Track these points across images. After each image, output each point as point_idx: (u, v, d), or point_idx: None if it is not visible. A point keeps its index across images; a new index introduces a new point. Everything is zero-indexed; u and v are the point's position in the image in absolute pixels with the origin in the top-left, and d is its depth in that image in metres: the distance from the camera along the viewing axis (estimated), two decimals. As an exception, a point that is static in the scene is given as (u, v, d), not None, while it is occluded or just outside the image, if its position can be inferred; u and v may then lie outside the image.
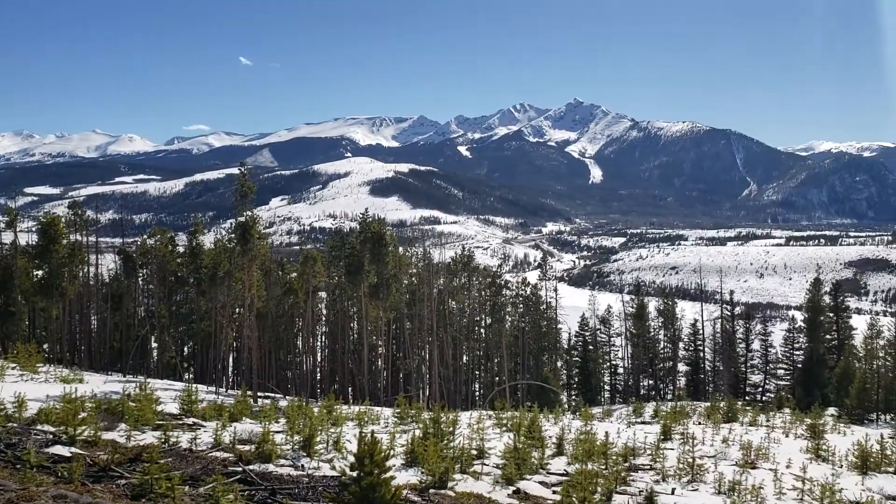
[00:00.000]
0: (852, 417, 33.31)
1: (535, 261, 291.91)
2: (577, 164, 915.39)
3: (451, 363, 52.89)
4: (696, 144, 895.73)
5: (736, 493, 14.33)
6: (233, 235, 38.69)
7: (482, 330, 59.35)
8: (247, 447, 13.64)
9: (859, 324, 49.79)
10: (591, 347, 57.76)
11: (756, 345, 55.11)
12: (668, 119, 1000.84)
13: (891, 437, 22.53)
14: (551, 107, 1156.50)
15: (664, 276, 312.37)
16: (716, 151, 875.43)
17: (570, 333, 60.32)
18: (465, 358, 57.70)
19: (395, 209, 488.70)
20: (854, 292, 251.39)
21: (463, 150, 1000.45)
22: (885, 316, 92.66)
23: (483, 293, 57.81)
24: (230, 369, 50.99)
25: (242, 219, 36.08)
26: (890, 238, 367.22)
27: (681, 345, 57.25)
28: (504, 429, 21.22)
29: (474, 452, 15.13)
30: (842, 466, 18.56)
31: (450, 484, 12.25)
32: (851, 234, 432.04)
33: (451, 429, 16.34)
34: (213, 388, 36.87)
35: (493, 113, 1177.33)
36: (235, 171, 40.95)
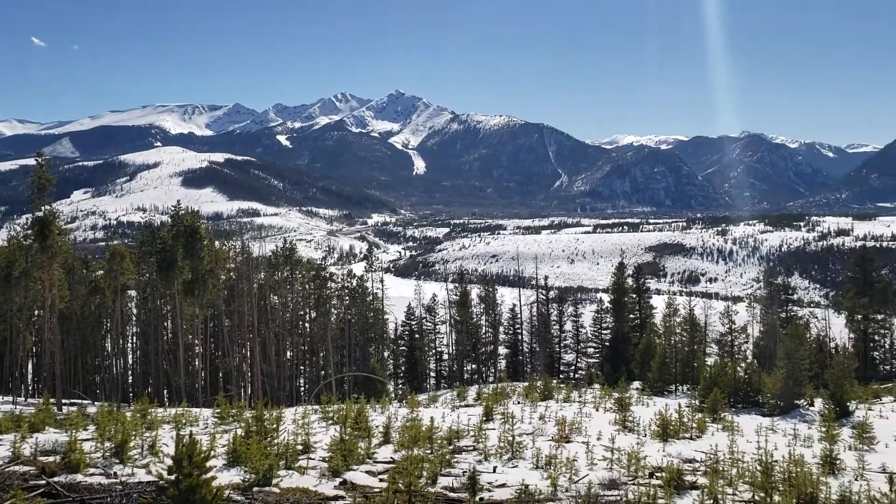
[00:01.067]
0: (654, 390, 36.05)
1: (360, 252, 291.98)
2: (401, 155, 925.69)
3: (275, 359, 51.47)
4: (513, 138, 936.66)
5: (552, 467, 14.99)
6: (29, 232, 35.64)
7: (307, 324, 58.27)
8: (51, 458, 12.75)
9: (659, 303, 53.81)
10: (417, 336, 58.58)
11: (569, 326, 58.47)
12: (487, 112, 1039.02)
13: (687, 406, 24.74)
14: (373, 97, 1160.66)
15: (485, 264, 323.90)
16: (530, 144, 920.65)
17: (396, 323, 60.81)
18: (288, 353, 56.35)
19: (210, 201, 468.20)
20: (654, 274, 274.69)
21: (283, 139, 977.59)
22: (680, 295, 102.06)
23: (307, 287, 56.71)
24: (30, 376, 46.57)
25: (41, 213, 33.68)
26: (685, 224, 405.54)
27: (501, 329, 59.58)
28: (331, 422, 21.05)
29: (300, 448, 15.05)
30: (646, 435, 20.01)
31: (274, 481, 12.08)
32: (651, 221, 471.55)
33: (274, 426, 15.97)
34: (9, 398, 33.53)
35: (313, 102, 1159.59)
36: (31, 161, 38.37)
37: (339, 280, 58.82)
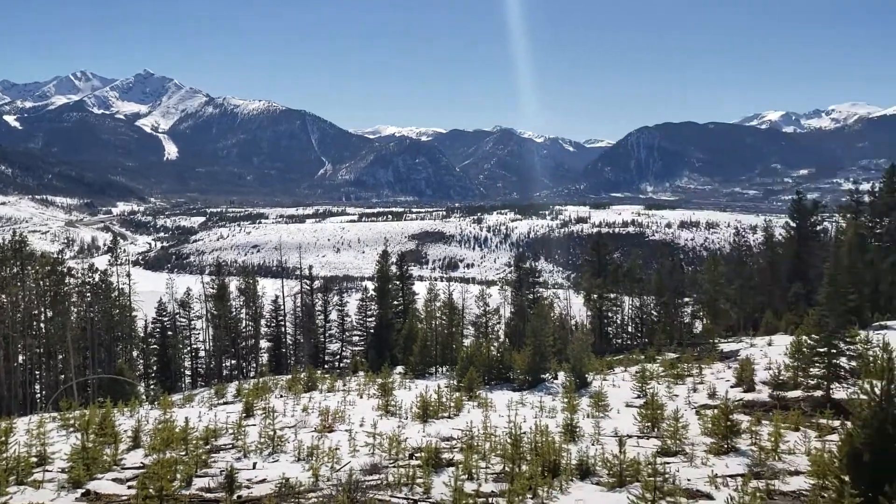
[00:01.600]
0: (416, 373, 37.20)
1: (105, 244, 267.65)
2: (150, 139, 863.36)
3: (3, 365, 45.43)
4: (274, 123, 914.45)
5: (314, 458, 14.80)
6: None
7: (42, 324, 52.07)
8: None
9: (421, 289, 55.52)
10: (170, 333, 54.92)
11: (334, 315, 58.40)
12: (245, 97, 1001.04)
13: (446, 387, 25.76)
14: (118, 77, 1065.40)
15: (246, 254, 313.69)
16: (292, 131, 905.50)
17: (146, 320, 56.50)
18: (20, 358, 50.03)
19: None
20: (417, 261, 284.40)
21: (11, 119, 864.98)
22: (441, 281, 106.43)
23: (42, 283, 50.63)
24: None
25: None
26: (444, 213, 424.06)
27: (263, 322, 57.89)
28: (72, 430, 19.37)
29: (34, 460, 14.00)
30: (407, 418, 20.55)
31: (2, 500, 11.08)
32: (414, 210, 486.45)
33: (3, 438, 14.15)
34: None
35: (48, 79, 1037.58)
36: None
37: (80, 275, 53.27)
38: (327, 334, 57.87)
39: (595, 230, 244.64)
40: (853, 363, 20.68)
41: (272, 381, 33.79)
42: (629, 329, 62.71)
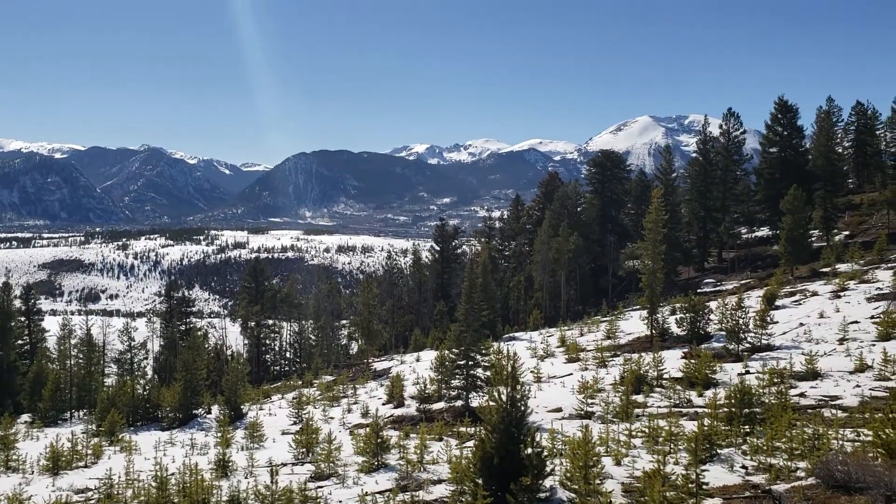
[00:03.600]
0: (47, 420, 32.88)
1: None
2: None
3: None
4: None
5: None
6: None
7: None
8: None
9: (53, 325, 49.57)
10: None
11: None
12: None
13: (83, 433, 22.98)
14: None
15: None
16: None
17: None
18: None
19: None
20: (49, 294, 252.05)
21: None
22: (79, 314, 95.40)
23: None
24: None
25: None
26: (83, 239, 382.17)
27: None
28: None
29: None
30: (33, 472, 18.18)
31: None
32: (45, 235, 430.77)
33: None
34: None
35: None
36: None
37: None
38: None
39: (254, 255, 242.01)
40: (488, 373, 23.08)
41: None
42: (288, 355, 62.79)
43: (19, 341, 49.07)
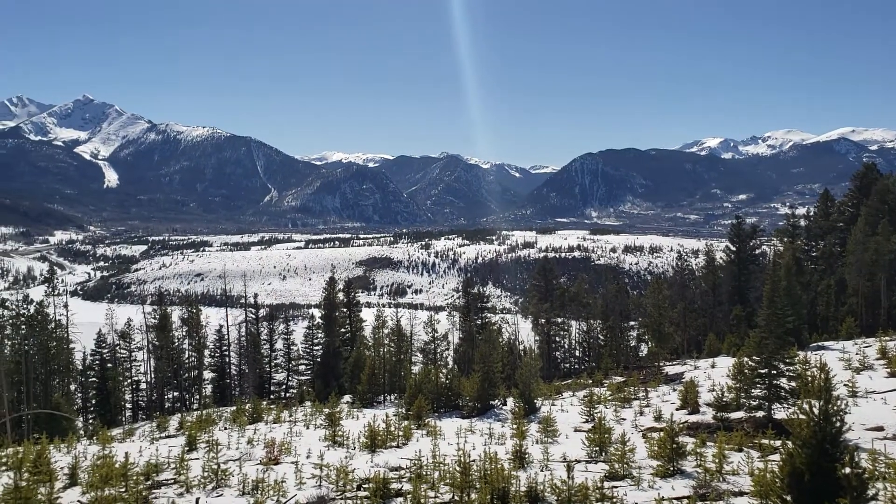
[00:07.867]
0: (364, 402, 36.76)
1: (41, 274, 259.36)
2: (90, 166, 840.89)
3: (-72, 403, 43.23)
4: (218, 150, 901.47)
5: (259, 491, 14.46)
6: None
7: (-29, 359, 49.84)
8: None
9: (368, 316, 55.08)
10: (109, 365, 53.18)
11: (279, 344, 57.42)
12: (189, 123, 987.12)
13: (395, 415, 25.53)
14: (56, 102, 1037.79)
15: (189, 283, 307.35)
16: (237, 158, 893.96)
17: (85, 353, 54.62)
18: (-53, 395, 47.72)
19: None
20: (364, 288, 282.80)
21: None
22: (389, 307, 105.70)
23: (-29, 315, 48.57)
24: None
25: None
26: (392, 239, 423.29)
27: (206, 352, 56.50)
28: (4, 468, 18.43)
29: None
30: (355, 448, 20.25)
31: None
32: (361, 236, 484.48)
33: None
34: None
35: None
36: None
37: (14, 307, 51.29)
38: (273, 364, 56.85)
39: (542, 255, 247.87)
40: (793, 384, 21.25)
41: (216, 412, 33.03)
42: (577, 353, 63.32)
43: (342, 329, 55.54)
